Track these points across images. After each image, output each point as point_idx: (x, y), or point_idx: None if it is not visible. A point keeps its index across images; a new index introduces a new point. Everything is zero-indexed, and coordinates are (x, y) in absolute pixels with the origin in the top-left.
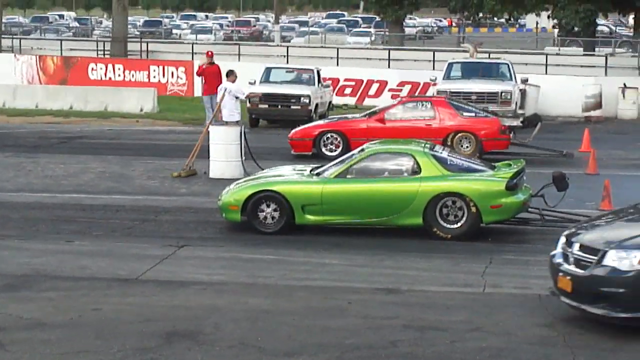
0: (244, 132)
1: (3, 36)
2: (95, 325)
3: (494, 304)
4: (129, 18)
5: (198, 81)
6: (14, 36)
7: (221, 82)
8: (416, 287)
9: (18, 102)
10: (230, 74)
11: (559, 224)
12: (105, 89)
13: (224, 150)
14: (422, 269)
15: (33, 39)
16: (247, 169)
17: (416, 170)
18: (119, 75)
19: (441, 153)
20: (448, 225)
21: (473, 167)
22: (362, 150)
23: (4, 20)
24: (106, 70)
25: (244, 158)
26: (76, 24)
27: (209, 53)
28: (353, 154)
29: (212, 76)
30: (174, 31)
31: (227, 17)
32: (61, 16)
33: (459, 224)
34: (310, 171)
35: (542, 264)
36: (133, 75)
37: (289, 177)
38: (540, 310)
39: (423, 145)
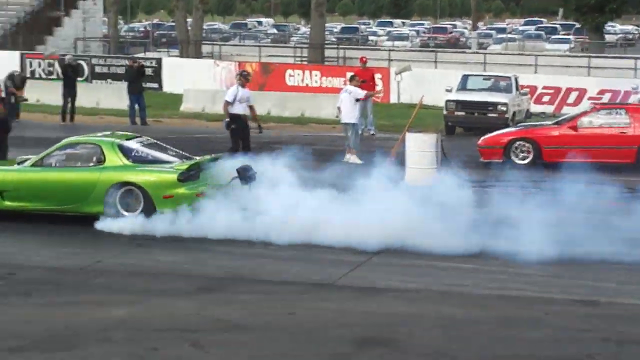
0: (441, 140)
1: (203, 42)
2: (290, 329)
3: None
4: (326, 25)
5: (394, 87)
6: (214, 42)
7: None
8: (616, 300)
9: (217, 107)
10: (352, 79)
11: None
12: (303, 95)
13: (420, 157)
14: (623, 282)
15: (232, 45)
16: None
17: (101, 160)
18: (316, 81)
19: (132, 145)
20: (127, 214)
21: (161, 159)
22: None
23: (204, 27)
24: (303, 76)
25: (439, 166)
26: (274, 30)
27: (363, 59)
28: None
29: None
30: (370, 38)
31: (423, 24)
32: (260, 23)
33: (137, 212)
34: (19, 162)
35: None
36: (330, 82)
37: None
38: None
39: (119, 136)
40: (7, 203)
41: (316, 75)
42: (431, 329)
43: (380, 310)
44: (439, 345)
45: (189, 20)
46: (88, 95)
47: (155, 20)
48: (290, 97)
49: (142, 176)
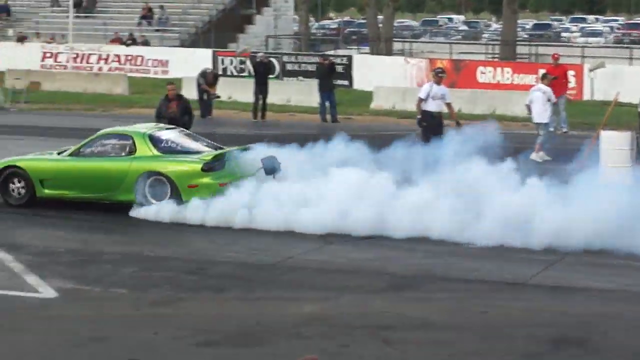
0: (637, 137)
1: (394, 40)
2: (482, 328)
3: None
4: (518, 21)
5: (588, 84)
6: (405, 40)
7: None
8: None
9: (408, 104)
10: (544, 78)
11: None
12: (494, 92)
13: (614, 155)
14: None
15: (423, 42)
16: None
17: (132, 151)
18: (507, 78)
19: (163, 136)
20: (155, 202)
21: (190, 149)
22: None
23: (394, 24)
24: (494, 73)
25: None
26: (465, 27)
27: (555, 56)
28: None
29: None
30: (563, 34)
31: (617, 20)
32: (450, 19)
33: (164, 201)
34: (59, 152)
35: None
36: (521, 79)
37: (37, 155)
38: None
39: (152, 127)
40: (47, 191)
41: (507, 72)
42: (627, 330)
43: (573, 310)
44: (637, 347)
45: (380, 17)
46: (279, 92)
47: (346, 18)
48: (481, 94)
49: (168, 166)
